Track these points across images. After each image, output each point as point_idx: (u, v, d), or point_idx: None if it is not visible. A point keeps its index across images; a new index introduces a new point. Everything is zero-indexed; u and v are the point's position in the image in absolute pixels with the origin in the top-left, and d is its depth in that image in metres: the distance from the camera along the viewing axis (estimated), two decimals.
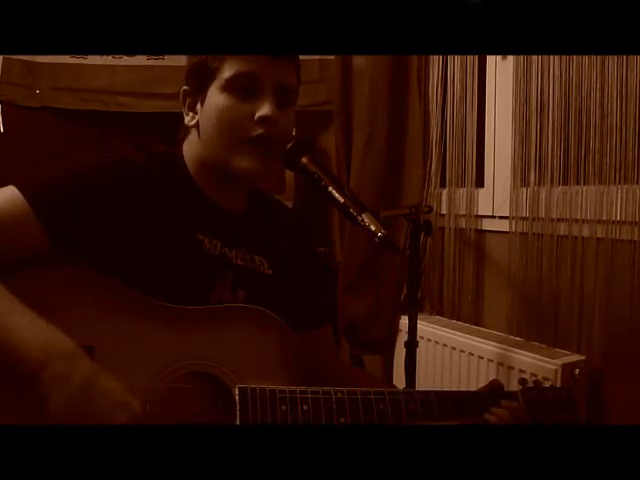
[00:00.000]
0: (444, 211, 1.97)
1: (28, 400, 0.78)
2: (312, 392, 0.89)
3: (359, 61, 2.10)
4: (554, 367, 1.48)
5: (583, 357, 1.54)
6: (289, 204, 2.18)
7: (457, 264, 1.94)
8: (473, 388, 1.09)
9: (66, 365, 0.79)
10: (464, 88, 1.91)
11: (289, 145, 0.97)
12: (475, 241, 1.90)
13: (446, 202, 1.96)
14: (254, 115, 0.95)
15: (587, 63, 1.54)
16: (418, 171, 2.00)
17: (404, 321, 1.92)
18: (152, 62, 2.40)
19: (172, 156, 1.03)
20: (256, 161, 0.96)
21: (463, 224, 1.92)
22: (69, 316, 0.85)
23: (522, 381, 1.03)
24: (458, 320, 1.92)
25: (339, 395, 0.90)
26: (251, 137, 0.95)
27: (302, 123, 1.04)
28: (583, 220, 1.55)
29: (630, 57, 1.44)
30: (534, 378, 1.06)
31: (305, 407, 0.88)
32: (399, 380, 1.66)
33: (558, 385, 1.43)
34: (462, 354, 1.74)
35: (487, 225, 1.87)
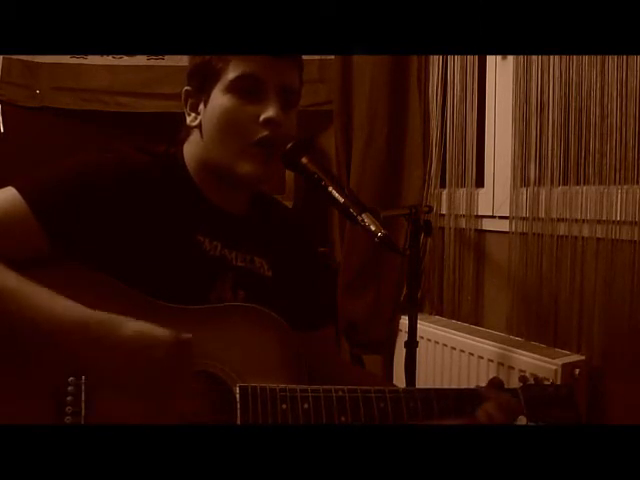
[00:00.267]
0: (444, 211, 1.97)
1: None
2: (313, 391, 0.90)
3: (359, 61, 2.11)
4: (554, 367, 1.48)
5: (583, 357, 1.54)
6: (289, 204, 2.18)
7: (457, 264, 1.94)
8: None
9: (112, 330, 0.81)
10: (464, 88, 1.91)
11: (289, 145, 0.97)
12: (475, 241, 1.90)
13: (446, 202, 1.96)
14: (258, 117, 0.95)
15: (587, 63, 1.54)
16: (418, 171, 2.00)
17: (404, 321, 1.92)
18: (152, 62, 2.40)
19: (172, 157, 1.03)
20: (259, 165, 0.96)
21: (463, 224, 1.92)
22: None
23: (522, 378, 1.03)
24: (458, 320, 1.92)
25: (340, 394, 0.90)
26: (256, 140, 0.95)
27: (302, 123, 1.04)
28: (583, 220, 1.56)
29: (630, 57, 1.44)
30: (534, 376, 1.06)
31: (306, 406, 0.88)
32: (399, 380, 1.66)
33: None
34: (462, 354, 1.75)
35: (487, 225, 1.87)
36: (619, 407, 1.49)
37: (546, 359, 1.52)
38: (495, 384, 1.03)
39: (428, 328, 1.87)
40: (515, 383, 1.04)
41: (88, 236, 0.90)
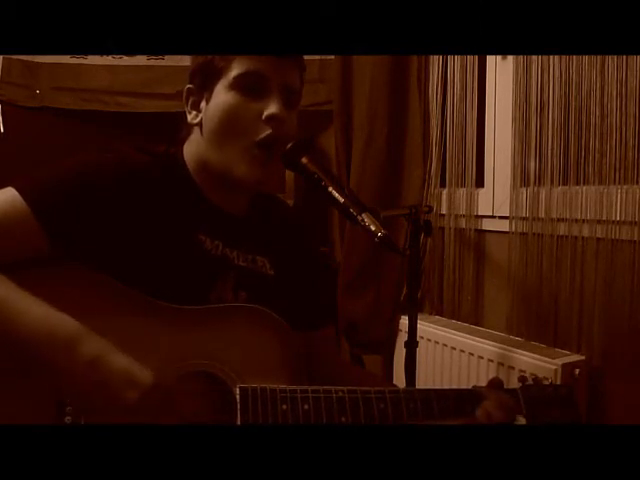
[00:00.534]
0: (444, 211, 1.97)
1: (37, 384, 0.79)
2: (313, 391, 0.89)
3: (359, 61, 2.11)
4: (554, 367, 1.48)
5: (583, 357, 1.54)
6: (289, 203, 2.18)
7: (457, 264, 1.94)
8: None
9: (68, 350, 0.80)
10: (464, 88, 1.91)
11: (289, 145, 0.96)
12: (475, 241, 1.90)
13: (446, 202, 1.96)
14: (261, 114, 0.95)
15: (587, 63, 1.54)
16: (418, 171, 2.00)
17: (404, 321, 1.92)
18: (152, 62, 2.40)
19: (173, 156, 1.03)
20: (257, 168, 0.96)
21: (463, 224, 1.92)
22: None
23: (522, 378, 1.03)
24: (458, 320, 1.92)
25: (340, 394, 0.90)
26: (258, 140, 0.95)
27: (302, 123, 1.04)
28: (583, 220, 1.56)
29: (630, 57, 1.44)
30: (534, 376, 1.06)
31: (306, 406, 0.88)
32: (399, 380, 1.66)
33: None
34: (462, 354, 1.75)
35: (487, 225, 1.87)
36: (619, 407, 1.49)
37: (546, 359, 1.52)
38: (495, 384, 1.03)
39: (428, 328, 1.87)
40: (515, 383, 1.03)
41: (88, 236, 0.90)
